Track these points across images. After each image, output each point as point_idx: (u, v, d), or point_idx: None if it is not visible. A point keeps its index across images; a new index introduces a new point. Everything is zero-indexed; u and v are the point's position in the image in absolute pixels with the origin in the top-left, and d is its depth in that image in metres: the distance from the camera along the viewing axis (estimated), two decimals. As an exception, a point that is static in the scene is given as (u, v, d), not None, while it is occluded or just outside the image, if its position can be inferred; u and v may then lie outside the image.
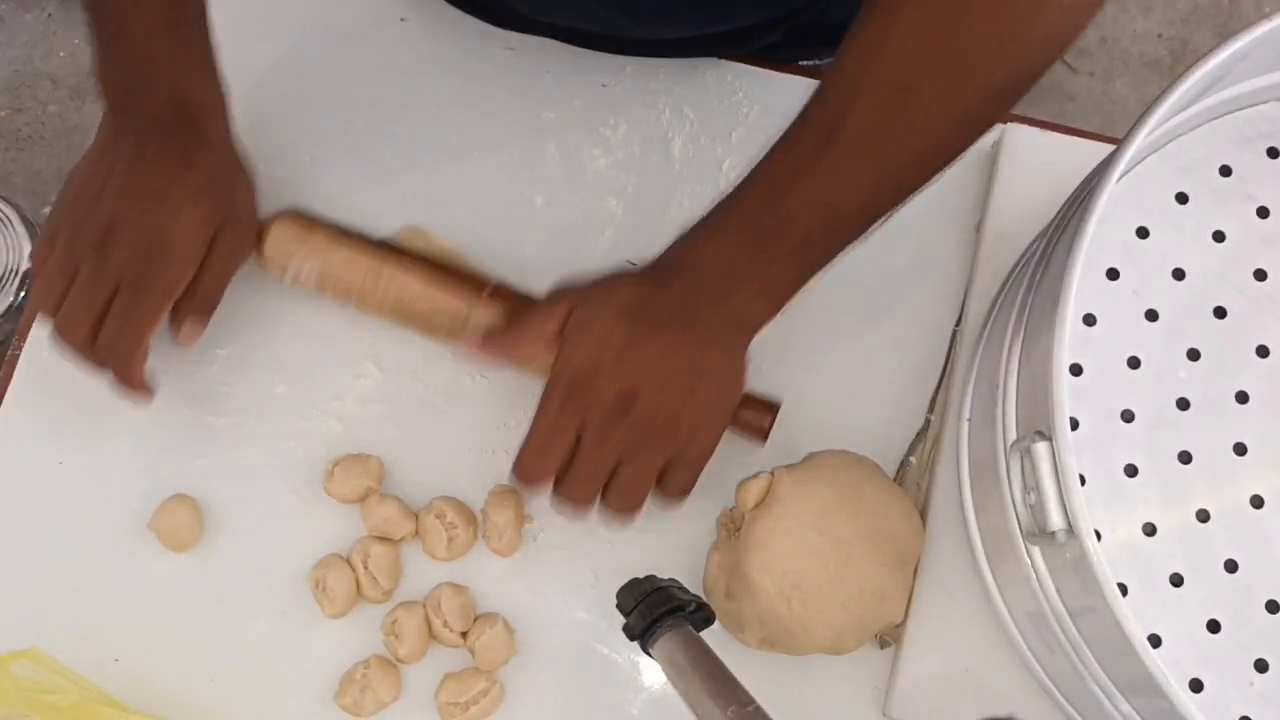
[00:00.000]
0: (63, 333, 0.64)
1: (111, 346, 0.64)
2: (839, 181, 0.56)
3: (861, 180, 0.56)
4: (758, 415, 0.66)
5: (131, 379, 0.65)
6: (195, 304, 0.65)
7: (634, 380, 0.59)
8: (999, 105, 0.55)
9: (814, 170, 0.55)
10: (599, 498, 0.61)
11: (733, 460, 0.68)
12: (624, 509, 0.61)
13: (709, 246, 0.59)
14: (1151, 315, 0.62)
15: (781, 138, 0.57)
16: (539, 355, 0.62)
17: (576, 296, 0.61)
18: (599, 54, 0.76)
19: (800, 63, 0.79)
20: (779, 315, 0.61)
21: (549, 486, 0.61)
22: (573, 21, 0.74)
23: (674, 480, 0.62)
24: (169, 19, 0.63)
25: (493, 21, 0.77)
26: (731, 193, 0.59)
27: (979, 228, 0.72)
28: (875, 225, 0.58)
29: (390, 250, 0.68)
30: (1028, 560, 0.55)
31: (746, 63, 0.76)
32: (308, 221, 0.68)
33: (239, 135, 0.67)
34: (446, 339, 0.67)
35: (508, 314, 0.65)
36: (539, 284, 0.73)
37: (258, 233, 0.67)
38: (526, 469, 0.61)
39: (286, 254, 0.67)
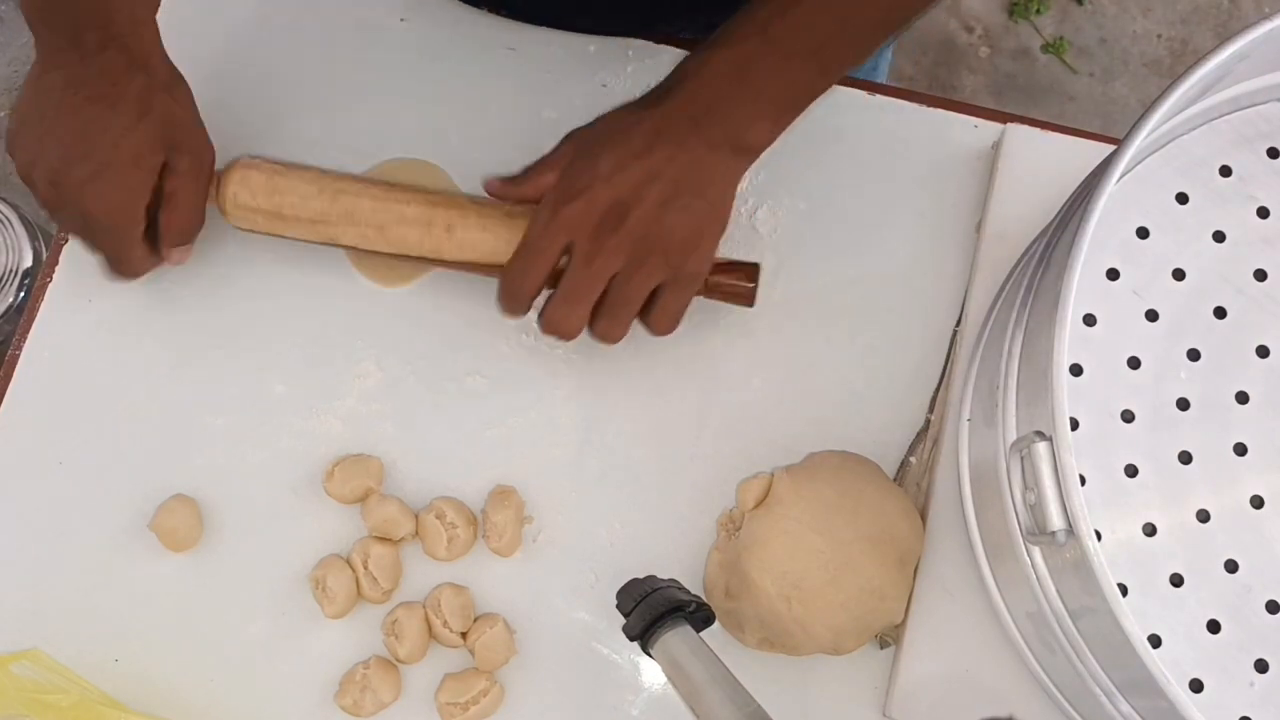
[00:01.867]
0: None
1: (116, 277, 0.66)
2: None
3: None
4: (741, 277, 0.66)
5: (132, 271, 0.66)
6: (172, 232, 0.65)
7: (626, 194, 0.58)
8: None
9: None
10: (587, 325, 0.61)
11: (732, 460, 0.68)
12: (610, 330, 0.61)
13: (717, 55, 0.58)
14: (1151, 315, 0.62)
15: None
16: (545, 190, 0.61)
17: (579, 135, 0.62)
18: (599, 53, 0.76)
19: None
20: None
21: (530, 305, 0.61)
22: None
23: (664, 305, 0.61)
24: None
25: (470, 1, 0.76)
26: (742, 9, 0.58)
27: (979, 228, 0.72)
28: (887, 40, 0.56)
29: (348, 196, 0.66)
30: (1028, 560, 0.55)
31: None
32: (262, 164, 0.67)
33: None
34: (421, 255, 0.66)
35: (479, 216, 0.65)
36: (539, 284, 0.73)
37: (212, 173, 0.66)
38: (513, 282, 0.60)
39: (246, 193, 0.66)
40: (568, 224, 0.59)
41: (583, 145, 0.61)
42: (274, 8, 0.78)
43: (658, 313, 0.62)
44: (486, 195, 0.65)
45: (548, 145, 0.75)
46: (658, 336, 0.64)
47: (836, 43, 0.57)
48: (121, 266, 0.66)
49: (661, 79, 0.75)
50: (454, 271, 0.68)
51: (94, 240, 0.65)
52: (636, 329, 0.63)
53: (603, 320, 0.61)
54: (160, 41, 0.65)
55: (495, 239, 0.64)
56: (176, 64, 0.66)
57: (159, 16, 0.66)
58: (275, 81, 0.76)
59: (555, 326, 0.61)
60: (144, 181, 0.63)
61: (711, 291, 0.67)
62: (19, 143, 0.64)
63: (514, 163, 0.74)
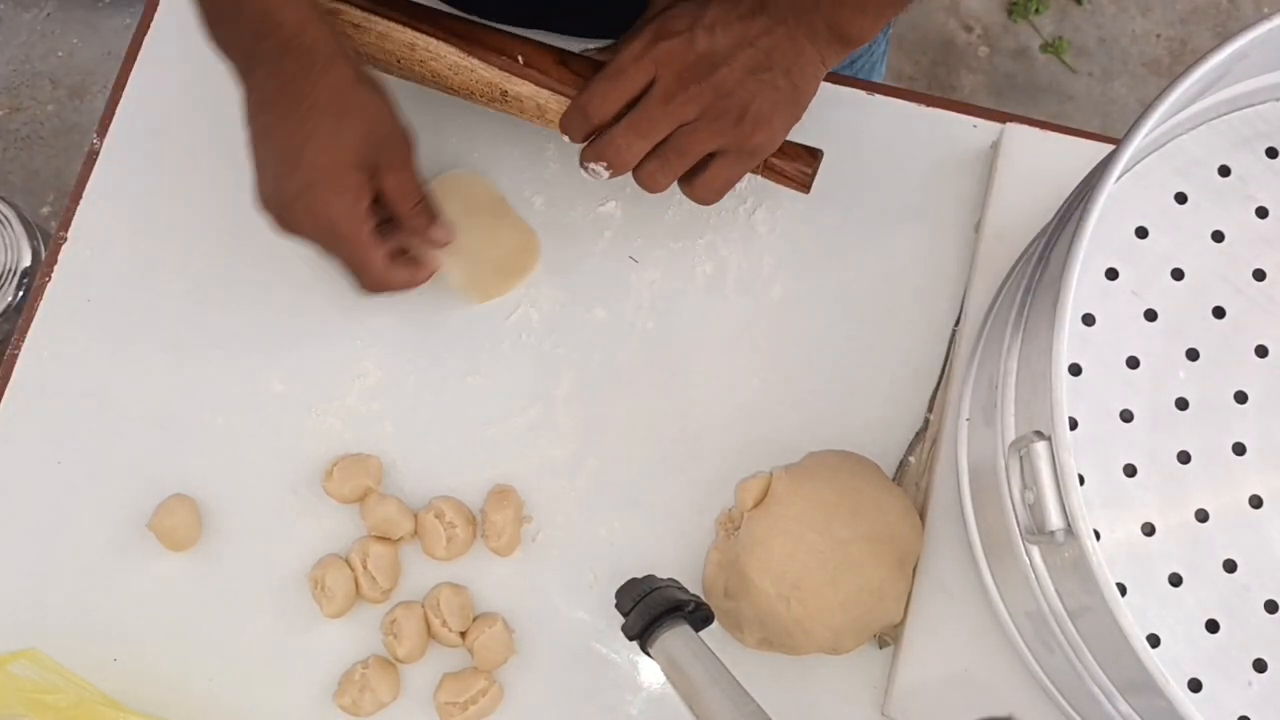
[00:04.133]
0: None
1: (376, 289, 0.64)
2: None
3: None
4: (801, 162, 0.66)
5: (397, 284, 0.65)
6: (415, 224, 0.64)
7: (723, 48, 0.59)
8: None
9: None
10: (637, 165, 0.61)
11: (732, 460, 0.68)
12: (655, 177, 0.61)
13: None
14: (1150, 315, 0.62)
15: None
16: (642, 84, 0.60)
17: (666, 14, 0.61)
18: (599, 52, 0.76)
19: None
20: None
21: (593, 130, 0.61)
22: None
23: (716, 171, 0.62)
24: None
25: (461, 8, 0.76)
26: None
27: (978, 228, 0.72)
28: None
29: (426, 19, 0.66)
30: (1027, 560, 0.55)
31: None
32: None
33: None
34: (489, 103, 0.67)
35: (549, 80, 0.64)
36: (539, 284, 0.73)
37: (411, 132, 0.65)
38: (589, 99, 0.60)
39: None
40: (660, 57, 0.59)
41: (679, 8, 0.60)
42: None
43: (707, 177, 0.62)
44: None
45: (547, 145, 0.75)
46: (697, 203, 0.63)
47: None
48: (366, 277, 0.63)
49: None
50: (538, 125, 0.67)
51: (334, 255, 0.63)
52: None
53: (653, 163, 0.61)
54: (333, 31, 0.62)
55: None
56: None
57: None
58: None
59: (610, 153, 0.61)
60: (359, 183, 0.61)
61: (769, 170, 0.67)
62: (256, 179, 0.62)
63: (513, 163, 0.75)
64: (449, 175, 0.74)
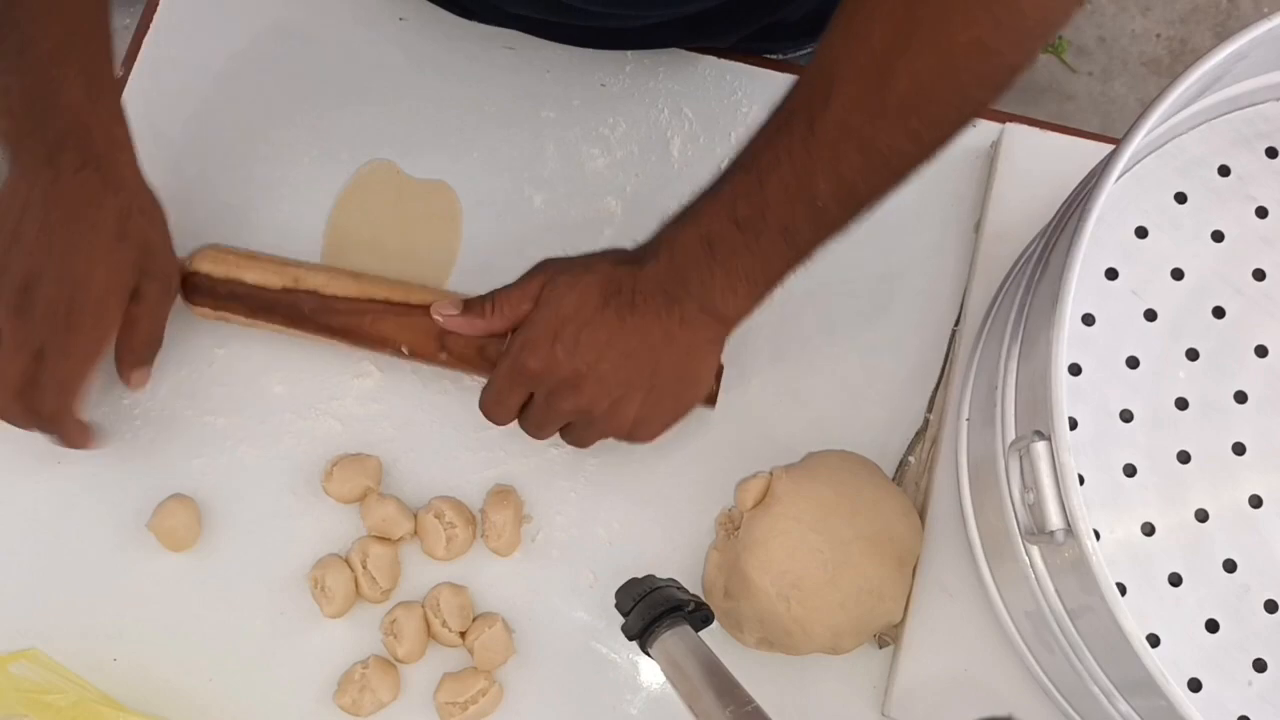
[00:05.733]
0: None
1: (40, 410, 0.62)
2: (819, 169, 0.54)
3: (843, 168, 0.54)
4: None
5: (71, 439, 0.64)
6: (135, 355, 0.65)
7: (586, 363, 0.59)
8: (985, 90, 0.53)
9: (793, 157, 0.54)
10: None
11: (731, 460, 0.68)
12: (577, 446, 0.64)
13: (688, 230, 0.59)
14: (1150, 315, 0.62)
15: (763, 123, 0.56)
16: (511, 327, 0.62)
17: (556, 270, 0.61)
18: (598, 54, 0.76)
19: (784, 55, 0.79)
20: (758, 311, 0.60)
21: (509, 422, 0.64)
22: (542, 13, 0.73)
23: (591, 439, 0.64)
24: (69, 53, 0.61)
25: (459, 13, 0.76)
26: (715, 178, 0.58)
27: (978, 228, 0.72)
28: (858, 218, 0.56)
29: (309, 279, 0.67)
30: (1026, 560, 0.55)
31: (745, 61, 0.76)
32: (224, 259, 0.67)
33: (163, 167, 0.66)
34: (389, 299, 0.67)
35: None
36: (538, 284, 0.73)
37: (180, 273, 0.66)
38: (487, 413, 0.63)
39: (207, 304, 0.67)
40: (527, 382, 0.61)
41: (555, 288, 0.60)
42: (270, 7, 0.78)
43: (582, 439, 0.64)
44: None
45: (547, 145, 0.75)
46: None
47: (803, 223, 0.56)
48: (67, 390, 0.62)
49: (658, 82, 0.75)
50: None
51: (46, 360, 0.61)
52: None
53: (567, 440, 0.64)
54: (137, 163, 0.64)
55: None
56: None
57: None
58: (269, 81, 0.76)
59: (495, 422, 0.64)
60: (117, 307, 0.62)
61: None
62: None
63: (513, 163, 0.75)
64: (378, 163, 0.74)
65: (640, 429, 0.62)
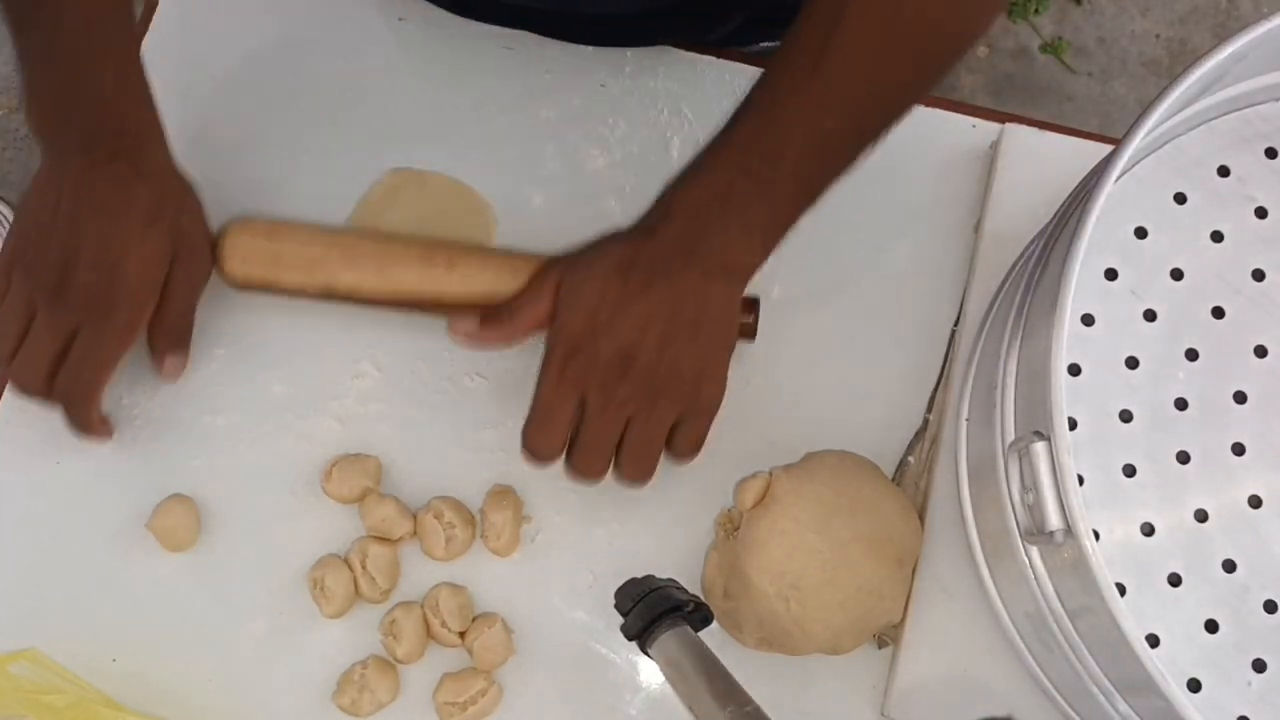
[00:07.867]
0: (19, 379, 0.63)
1: (68, 391, 0.63)
2: (830, 101, 0.54)
3: (853, 98, 0.54)
4: (744, 313, 0.65)
5: (88, 422, 0.64)
6: (169, 339, 0.65)
7: (629, 338, 0.58)
8: (987, 12, 0.54)
9: (804, 90, 0.54)
10: (612, 465, 0.60)
11: (731, 460, 0.68)
12: (637, 475, 0.61)
13: (699, 183, 0.58)
14: (1150, 315, 0.62)
15: (771, 61, 0.56)
16: (535, 333, 0.61)
17: (566, 265, 0.61)
18: (598, 54, 0.76)
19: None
20: (770, 260, 0.60)
21: (559, 459, 0.60)
22: (536, 1, 0.72)
23: (684, 436, 0.61)
24: (97, 44, 0.62)
25: (456, 10, 0.76)
26: (724, 126, 0.58)
27: (977, 228, 0.72)
28: (864, 154, 0.56)
29: (346, 240, 0.66)
30: (1026, 560, 0.55)
31: (745, 61, 0.76)
32: (259, 227, 0.67)
33: (181, 157, 0.66)
34: (421, 295, 0.66)
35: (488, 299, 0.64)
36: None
37: (212, 251, 0.66)
38: (534, 443, 0.60)
39: (244, 268, 0.66)
40: (575, 382, 0.58)
41: (573, 282, 0.60)
42: (269, 7, 0.78)
43: (679, 443, 0.61)
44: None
45: (546, 144, 0.75)
46: (684, 464, 0.63)
47: (814, 164, 0.56)
48: (98, 373, 0.63)
49: (658, 82, 0.75)
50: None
51: (79, 343, 0.62)
52: None
53: (625, 465, 0.60)
54: (169, 149, 0.65)
55: (497, 275, 0.64)
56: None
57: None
58: (266, 82, 0.76)
59: (582, 474, 0.61)
60: (150, 293, 0.63)
61: None
62: (19, 235, 0.63)
63: (513, 163, 0.75)
64: (405, 172, 0.73)
65: (702, 386, 0.60)
